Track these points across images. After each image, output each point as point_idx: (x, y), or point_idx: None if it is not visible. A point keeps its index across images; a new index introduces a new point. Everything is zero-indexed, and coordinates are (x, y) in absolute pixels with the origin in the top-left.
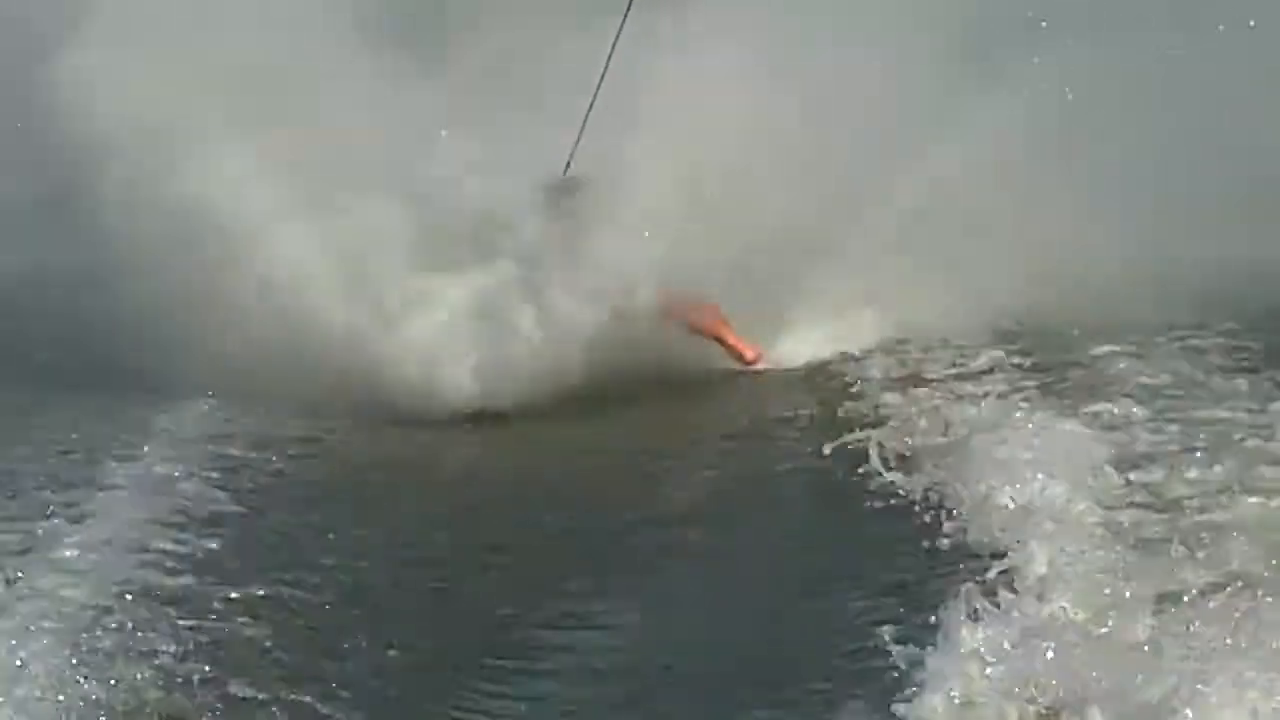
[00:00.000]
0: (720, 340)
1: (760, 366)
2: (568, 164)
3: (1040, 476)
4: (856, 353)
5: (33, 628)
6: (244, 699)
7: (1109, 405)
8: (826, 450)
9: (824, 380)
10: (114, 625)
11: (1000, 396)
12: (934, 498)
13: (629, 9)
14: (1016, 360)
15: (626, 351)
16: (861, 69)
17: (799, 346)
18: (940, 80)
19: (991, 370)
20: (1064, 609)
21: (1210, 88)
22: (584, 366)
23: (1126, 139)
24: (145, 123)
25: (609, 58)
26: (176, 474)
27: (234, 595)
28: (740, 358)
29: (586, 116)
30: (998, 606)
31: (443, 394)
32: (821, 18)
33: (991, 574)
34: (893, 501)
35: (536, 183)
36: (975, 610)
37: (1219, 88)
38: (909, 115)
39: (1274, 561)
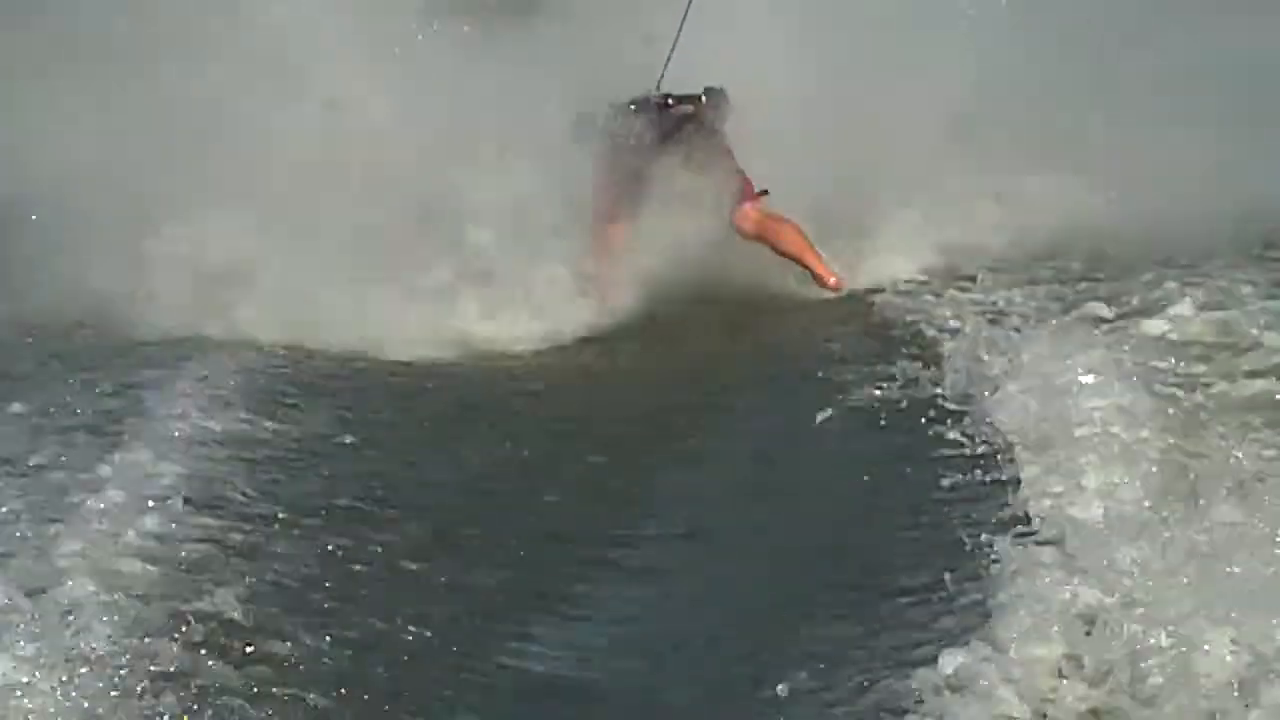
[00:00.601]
0: (803, 263)
1: (840, 291)
2: (659, 81)
3: (1099, 415)
4: (915, 279)
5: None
6: (274, 654)
7: (1174, 337)
8: (881, 388)
9: (882, 310)
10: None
11: (1061, 330)
12: (986, 437)
13: None
14: (1079, 287)
15: (700, 273)
16: None
17: (864, 271)
18: None
19: (1055, 300)
20: (1117, 565)
21: None
22: (660, 288)
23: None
24: None
25: None
26: (222, 404)
27: (270, 536)
28: (822, 282)
29: (678, 34)
30: (1047, 562)
31: (506, 324)
32: None
33: (1042, 526)
34: (942, 441)
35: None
36: (1024, 568)
37: None
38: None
39: None
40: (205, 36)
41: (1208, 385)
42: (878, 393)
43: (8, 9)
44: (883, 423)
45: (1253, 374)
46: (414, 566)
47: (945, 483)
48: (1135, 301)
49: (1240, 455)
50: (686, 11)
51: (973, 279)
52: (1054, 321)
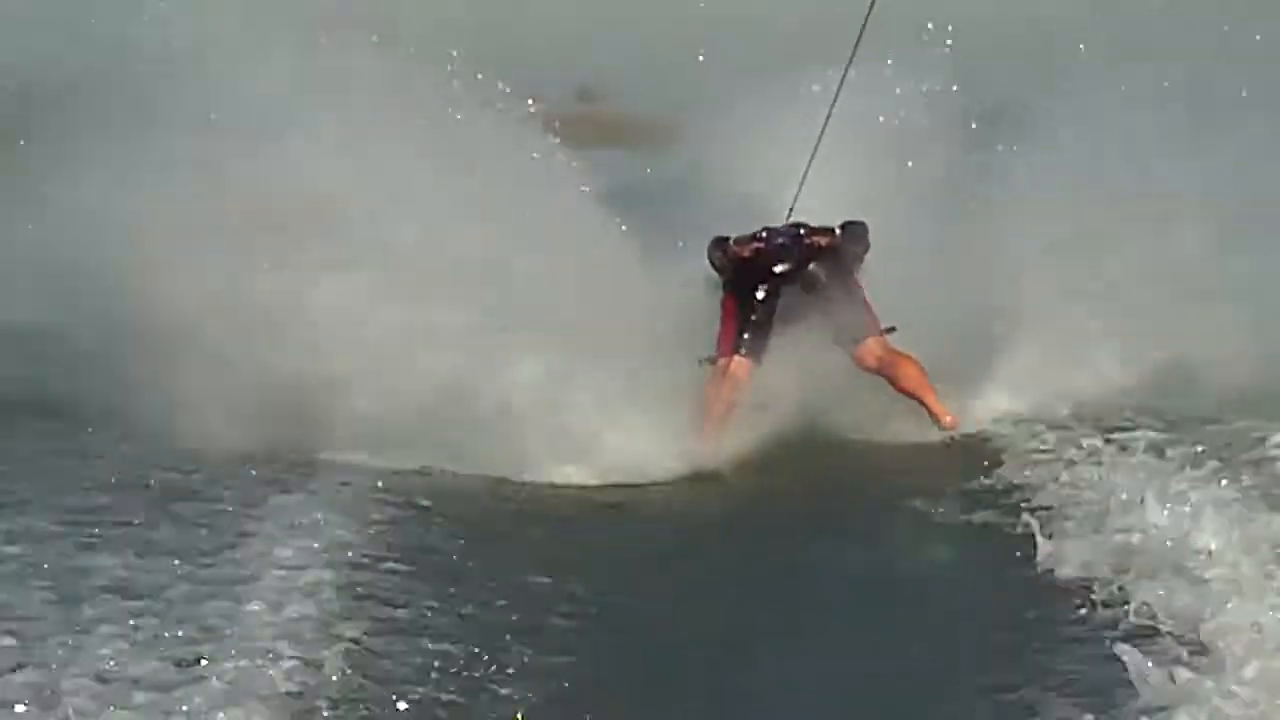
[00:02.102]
0: (921, 401)
1: (955, 430)
2: (790, 209)
3: (1201, 557)
4: (1028, 419)
5: None
6: None
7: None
8: (987, 523)
9: (990, 448)
10: None
11: (1157, 472)
12: (1088, 575)
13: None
14: (1176, 433)
15: (816, 408)
16: None
17: (978, 410)
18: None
19: (1152, 444)
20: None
21: None
22: (780, 417)
23: None
24: None
25: (833, 103)
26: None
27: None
28: (938, 420)
29: (810, 161)
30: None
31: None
32: None
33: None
34: (1045, 577)
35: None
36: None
37: None
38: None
39: None
40: None
41: None
42: (977, 528)
43: None
44: (978, 558)
45: None
46: None
47: (1037, 614)
48: (1252, 443)
49: None
50: (818, 145)
51: (1085, 420)
52: (1162, 460)
